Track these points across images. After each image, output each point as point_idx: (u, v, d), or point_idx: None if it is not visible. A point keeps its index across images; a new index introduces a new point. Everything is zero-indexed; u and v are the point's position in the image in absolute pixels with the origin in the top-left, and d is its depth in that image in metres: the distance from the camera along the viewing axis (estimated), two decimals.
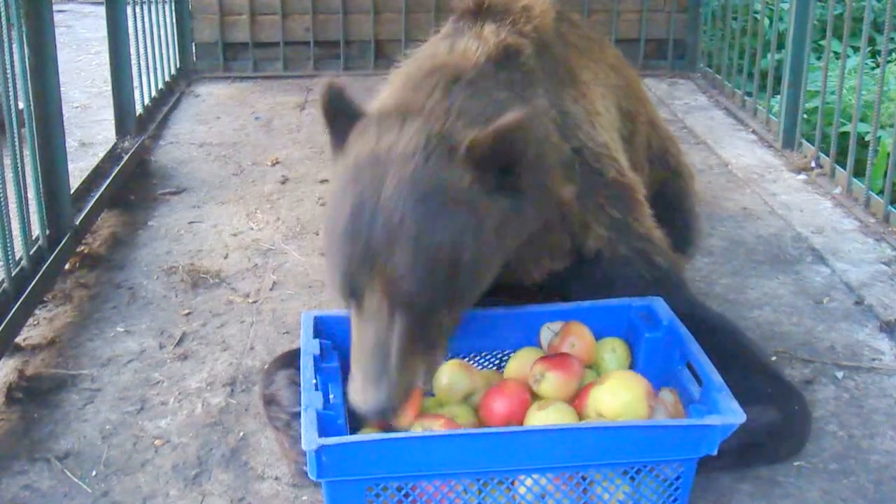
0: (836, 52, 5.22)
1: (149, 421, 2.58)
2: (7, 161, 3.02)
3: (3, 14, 2.94)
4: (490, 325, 2.48)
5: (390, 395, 2.05)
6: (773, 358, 2.85)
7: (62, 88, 3.55)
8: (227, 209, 4.08)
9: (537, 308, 2.51)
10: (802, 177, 4.47)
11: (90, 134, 5.11)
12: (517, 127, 2.05)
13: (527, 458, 2.01)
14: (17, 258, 3.02)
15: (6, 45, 2.94)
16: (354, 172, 2.14)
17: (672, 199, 3.26)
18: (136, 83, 4.88)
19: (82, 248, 3.59)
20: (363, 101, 2.31)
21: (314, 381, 2.17)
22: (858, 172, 4.16)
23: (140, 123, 4.84)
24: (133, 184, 4.29)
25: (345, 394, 2.16)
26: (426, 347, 2.13)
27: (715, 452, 2.05)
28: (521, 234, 2.30)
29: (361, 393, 2.07)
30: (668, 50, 6.48)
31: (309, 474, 1.95)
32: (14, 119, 2.99)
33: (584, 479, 2.06)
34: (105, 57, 4.79)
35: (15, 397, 2.65)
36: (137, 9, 5.05)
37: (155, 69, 5.36)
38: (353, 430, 2.23)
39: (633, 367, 2.45)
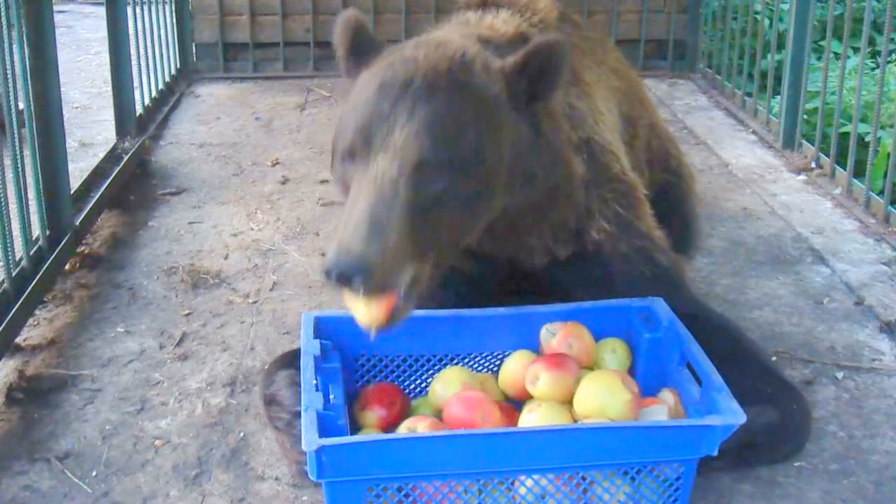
0: (836, 53, 5.22)
1: (149, 421, 2.58)
2: (7, 161, 3.02)
3: (3, 15, 2.94)
4: (490, 325, 2.48)
5: (373, 255, 1.96)
6: (774, 358, 2.85)
7: (62, 89, 3.55)
8: (227, 209, 4.08)
9: (537, 309, 2.51)
10: (802, 177, 4.47)
11: (90, 134, 5.11)
12: (554, 43, 2.20)
13: (527, 459, 2.01)
14: (17, 258, 3.02)
15: (6, 45, 2.94)
16: (385, 66, 2.22)
17: (672, 199, 3.27)
18: (136, 84, 4.88)
19: (82, 248, 3.59)
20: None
21: (314, 381, 2.17)
22: (858, 173, 4.16)
23: (140, 124, 4.84)
24: (133, 184, 4.29)
25: (344, 394, 2.17)
26: (418, 249, 2.08)
27: (715, 453, 2.05)
28: (532, 180, 2.31)
29: (343, 241, 1.98)
30: (669, 50, 6.48)
31: (309, 475, 1.95)
32: (14, 119, 2.99)
33: (584, 479, 2.06)
34: (105, 57, 4.80)
35: (15, 397, 2.65)
36: (137, 9, 5.05)
37: (155, 69, 5.36)
38: (354, 431, 2.24)
39: (633, 367, 2.45)
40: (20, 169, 3.06)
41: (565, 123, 2.49)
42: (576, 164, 2.47)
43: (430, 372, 2.48)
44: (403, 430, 2.19)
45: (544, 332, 2.46)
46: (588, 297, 2.52)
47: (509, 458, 2.00)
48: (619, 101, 2.93)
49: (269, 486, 2.32)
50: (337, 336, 2.38)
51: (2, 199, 2.84)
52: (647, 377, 2.40)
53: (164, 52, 5.62)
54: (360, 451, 1.96)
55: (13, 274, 2.93)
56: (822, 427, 2.55)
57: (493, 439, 2.02)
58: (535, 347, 2.46)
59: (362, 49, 2.36)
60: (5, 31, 2.94)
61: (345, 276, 1.96)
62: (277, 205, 4.14)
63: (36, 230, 3.24)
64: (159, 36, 5.45)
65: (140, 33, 5.08)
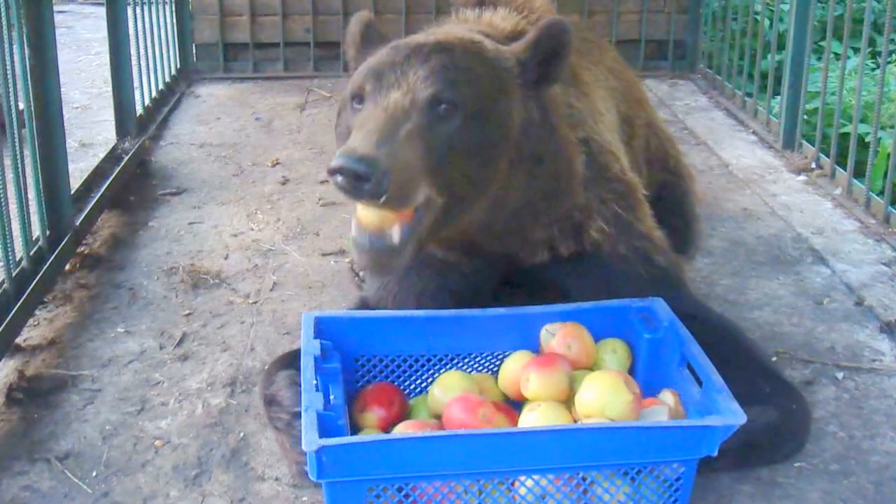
0: (836, 53, 5.22)
1: (149, 421, 2.58)
2: (7, 161, 3.02)
3: (3, 15, 2.94)
4: (490, 326, 2.48)
5: (386, 159, 1.92)
6: (774, 359, 2.84)
7: (62, 89, 3.55)
8: (227, 210, 4.08)
9: (537, 309, 2.51)
10: (803, 178, 4.47)
11: (90, 134, 5.11)
12: (563, 23, 2.30)
13: (527, 459, 2.01)
14: (17, 258, 3.02)
15: (7, 45, 2.94)
16: (395, 42, 2.31)
17: (672, 200, 3.26)
18: (136, 84, 4.88)
19: (83, 248, 3.59)
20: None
21: (315, 381, 2.17)
22: (859, 173, 4.16)
23: (140, 124, 4.84)
24: (133, 184, 4.29)
25: (345, 394, 2.16)
26: (430, 178, 2.08)
27: (715, 453, 2.05)
28: (539, 163, 2.34)
29: (351, 146, 1.94)
30: (669, 51, 6.48)
31: (309, 475, 1.95)
32: (14, 119, 2.99)
33: (584, 479, 2.06)
34: (105, 58, 4.80)
35: (15, 398, 2.65)
36: (138, 10, 5.05)
37: (155, 70, 5.36)
38: (354, 432, 2.24)
39: (633, 367, 2.45)
40: (20, 169, 3.06)
41: (565, 122, 2.50)
42: (577, 159, 2.49)
43: (430, 372, 2.48)
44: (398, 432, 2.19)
45: (544, 332, 2.46)
46: (587, 298, 2.52)
47: (509, 459, 2.00)
48: (616, 102, 2.94)
49: (269, 487, 2.32)
50: (337, 336, 2.38)
51: (2, 199, 2.84)
52: (647, 378, 2.40)
53: (165, 52, 5.62)
54: (360, 451, 1.96)
55: (13, 274, 2.93)
56: (823, 427, 2.55)
57: (493, 439, 2.02)
58: (535, 348, 2.46)
59: (371, 43, 2.43)
60: (5, 31, 2.94)
61: (356, 175, 1.89)
62: (277, 205, 4.14)
63: (36, 230, 3.24)
64: (159, 36, 5.45)
65: (140, 33, 5.08)
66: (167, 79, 5.68)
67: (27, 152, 3.22)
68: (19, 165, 3.05)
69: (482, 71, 2.25)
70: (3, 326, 2.75)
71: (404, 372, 2.49)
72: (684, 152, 3.67)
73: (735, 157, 4.79)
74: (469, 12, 2.72)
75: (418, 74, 2.16)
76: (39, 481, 2.34)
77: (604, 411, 2.16)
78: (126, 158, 4.29)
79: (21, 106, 3.15)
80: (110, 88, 4.69)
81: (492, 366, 2.53)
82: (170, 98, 5.65)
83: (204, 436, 2.52)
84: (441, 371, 2.47)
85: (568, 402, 2.28)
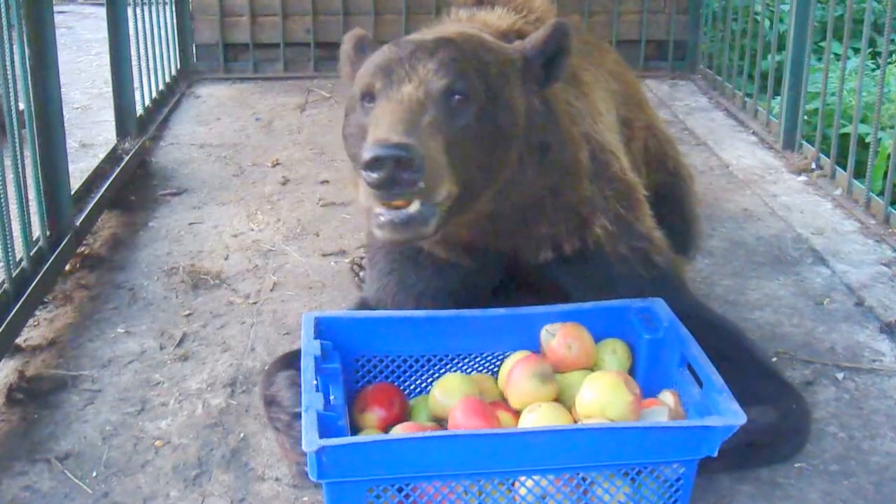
0: (836, 54, 5.22)
1: (149, 422, 2.58)
2: (7, 162, 3.02)
3: (3, 15, 2.94)
4: (490, 326, 2.48)
5: (420, 146, 1.96)
6: (774, 359, 2.84)
7: (63, 89, 3.55)
8: (227, 210, 4.08)
9: (537, 310, 2.51)
10: (803, 178, 4.47)
11: (91, 135, 5.11)
12: (566, 24, 2.34)
13: (527, 460, 2.01)
14: (17, 259, 3.02)
15: (7, 45, 2.94)
16: (398, 40, 2.33)
17: (672, 200, 3.26)
18: (136, 84, 4.88)
19: (83, 248, 3.59)
20: None
21: (315, 382, 2.17)
22: (859, 174, 4.16)
23: (140, 124, 4.84)
24: (133, 185, 4.29)
25: (345, 395, 2.16)
26: (448, 167, 2.08)
27: (715, 453, 2.05)
28: (546, 152, 2.36)
29: (379, 136, 1.97)
30: (669, 51, 6.48)
31: (309, 475, 1.95)
32: (14, 120, 2.99)
33: (584, 480, 2.06)
34: (105, 58, 4.80)
35: (15, 398, 2.65)
36: (138, 10, 5.06)
37: (155, 70, 5.37)
38: (354, 432, 2.24)
39: (633, 368, 2.45)
40: (20, 169, 3.06)
41: (567, 117, 2.52)
42: (582, 152, 2.50)
43: (430, 372, 2.48)
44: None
45: (544, 333, 2.46)
46: (587, 298, 2.52)
47: (509, 459, 2.00)
48: (616, 104, 2.94)
49: (269, 487, 2.32)
50: (337, 337, 2.38)
51: (2, 200, 2.84)
52: (647, 378, 2.40)
53: (165, 52, 5.62)
54: (361, 451, 1.96)
55: (13, 274, 2.93)
56: (823, 428, 2.55)
57: (493, 440, 2.02)
58: (535, 348, 2.46)
59: (365, 52, 2.44)
60: (5, 32, 2.94)
61: (397, 161, 1.91)
62: (278, 205, 4.14)
63: (36, 231, 3.24)
64: (159, 36, 5.46)
65: (140, 34, 5.08)
66: (167, 79, 5.69)
67: (27, 152, 3.22)
68: (19, 166, 3.05)
69: (488, 60, 2.28)
70: (3, 327, 2.75)
71: (404, 372, 2.49)
72: (684, 153, 3.67)
73: (735, 157, 4.79)
74: (463, 11, 2.73)
75: (428, 67, 2.17)
76: (39, 481, 2.34)
77: (604, 412, 2.16)
78: (126, 159, 4.29)
79: (21, 106, 3.16)
80: (110, 89, 4.69)
81: (491, 366, 2.53)
82: (170, 98, 5.65)
83: (204, 436, 2.52)
84: (441, 371, 2.47)
85: (560, 401, 2.29)
